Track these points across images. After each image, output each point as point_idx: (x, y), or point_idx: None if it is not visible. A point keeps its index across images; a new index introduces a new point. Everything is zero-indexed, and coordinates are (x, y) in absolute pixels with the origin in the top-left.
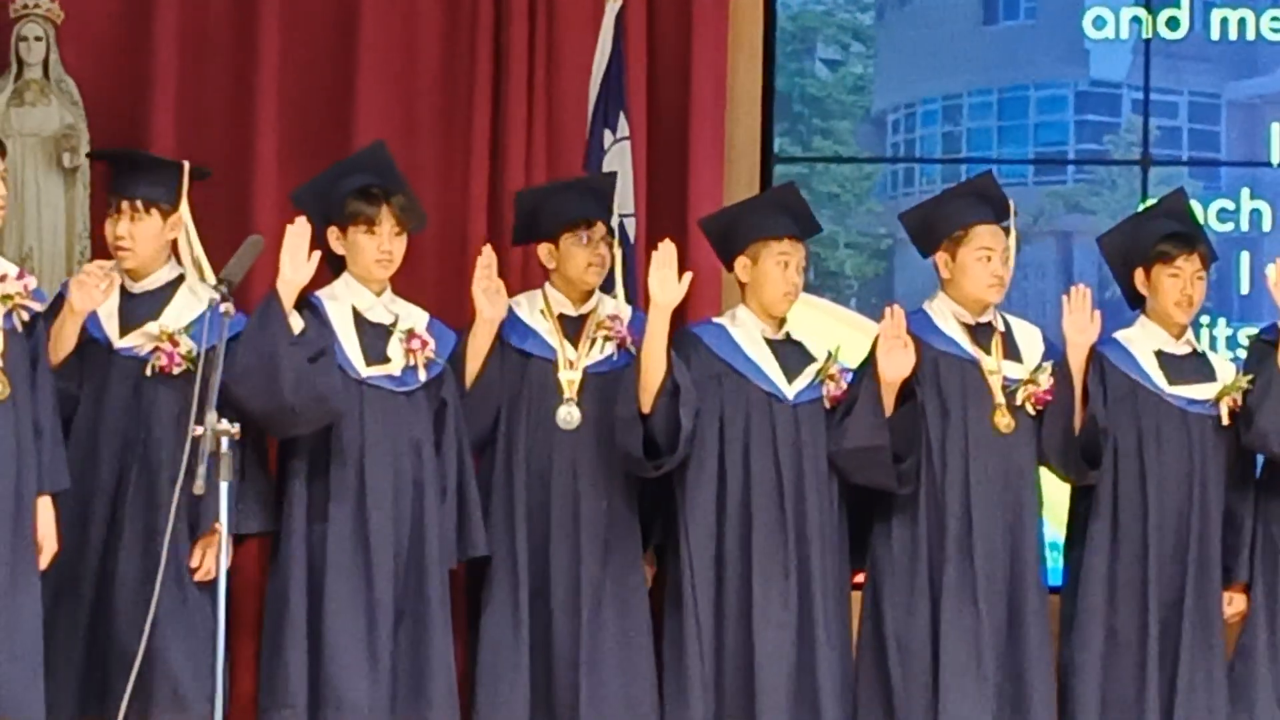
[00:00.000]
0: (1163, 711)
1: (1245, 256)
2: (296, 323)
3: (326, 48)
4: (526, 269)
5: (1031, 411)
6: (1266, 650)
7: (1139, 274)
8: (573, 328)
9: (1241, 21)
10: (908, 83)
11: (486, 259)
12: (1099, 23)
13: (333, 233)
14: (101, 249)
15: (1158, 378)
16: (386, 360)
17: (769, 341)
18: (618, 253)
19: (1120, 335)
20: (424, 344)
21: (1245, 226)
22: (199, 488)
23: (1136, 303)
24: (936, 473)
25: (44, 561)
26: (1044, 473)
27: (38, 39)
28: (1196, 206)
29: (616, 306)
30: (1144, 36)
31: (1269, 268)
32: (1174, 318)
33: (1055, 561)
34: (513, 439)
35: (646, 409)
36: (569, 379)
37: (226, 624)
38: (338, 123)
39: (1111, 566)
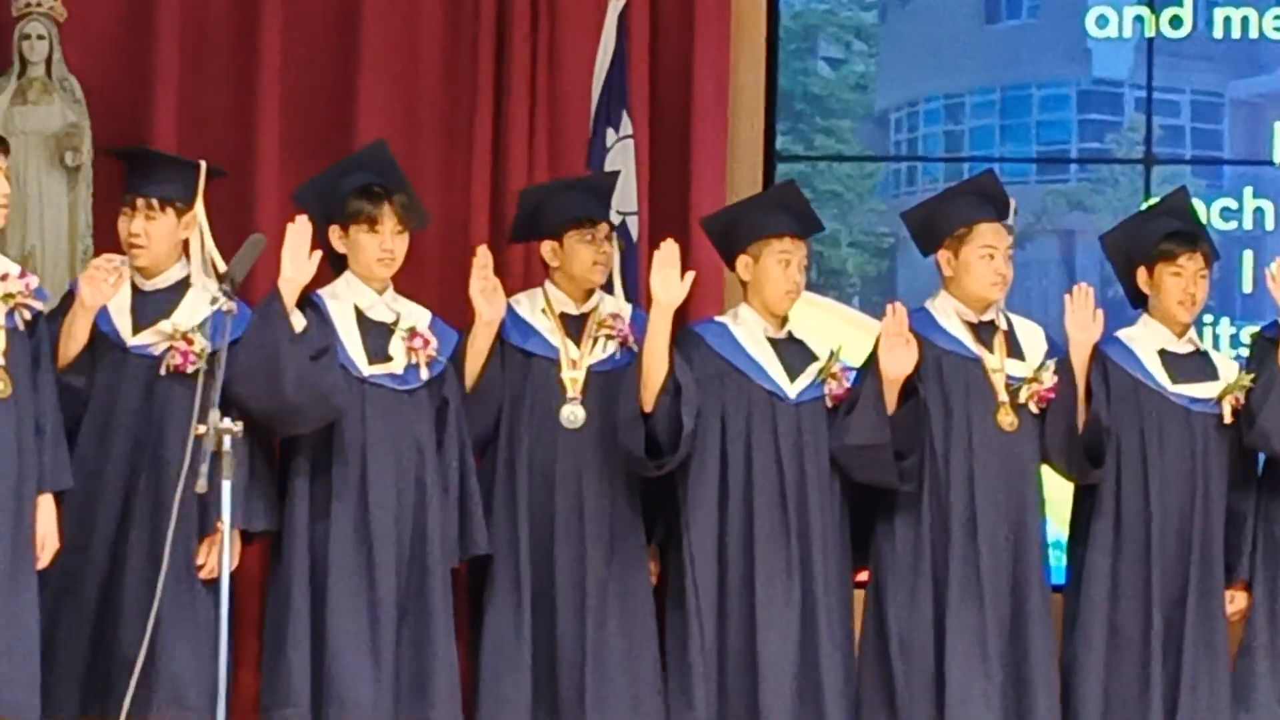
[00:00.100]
0: (1166, 709)
1: (1248, 255)
2: (298, 321)
3: (328, 46)
4: (528, 268)
5: (1034, 410)
6: (1267, 648)
7: (1141, 273)
8: (574, 326)
9: (1244, 20)
10: (910, 81)
11: (483, 259)
12: (1101, 21)
13: (334, 231)
14: (104, 248)
15: (1160, 376)
16: (388, 359)
17: (771, 340)
18: (615, 251)
19: (1123, 334)
20: (426, 342)
21: (1248, 225)
22: (201, 486)
23: (1139, 301)
24: (940, 471)
25: (44, 560)
26: (1047, 471)
27: (40, 37)
28: (1199, 205)
29: (617, 305)
30: (1146, 35)
31: (1271, 265)
32: (1176, 316)
33: (1058, 560)
34: (515, 438)
35: (648, 408)
36: (572, 378)
37: (230, 622)
38: (339, 121)
39: (1114, 565)
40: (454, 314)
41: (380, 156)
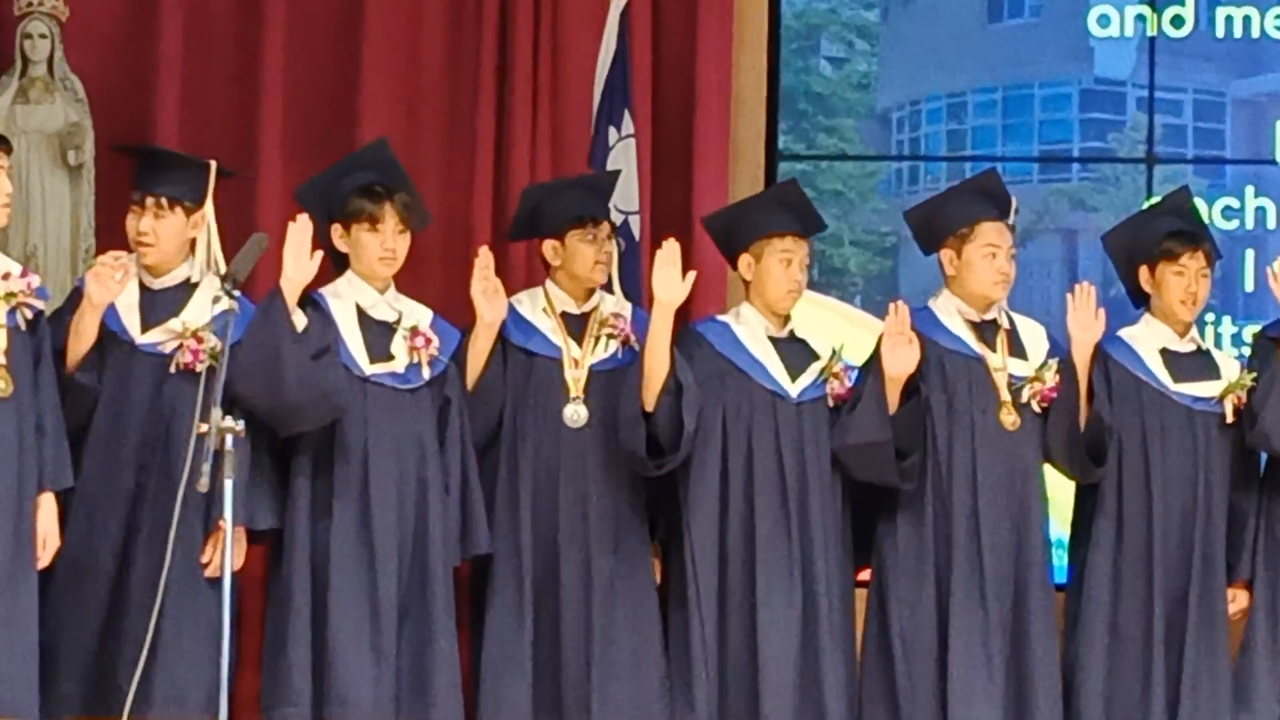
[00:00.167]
0: (1167, 708)
1: (1250, 254)
2: (300, 320)
3: (330, 45)
4: (530, 267)
5: (1037, 409)
6: (1268, 647)
7: (1143, 272)
8: (576, 326)
9: (1246, 19)
10: (912, 80)
11: (484, 260)
12: (1103, 20)
13: (336, 230)
14: (106, 247)
15: (1162, 375)
16: (390, 358)
17: (773, 339)
18: (615, 251)
19: (1125, 333)
20: (428, 341)
21: (1250, 224)
22: (203, 485)
23: (1141, 300)
24: (942, 470)
25: (45, 559)
26: (1049, 470)
27: (42, 36)
28: (1201, 204)
29: (618, 304)
30: (1148, 34)
31: (1273, 264)
32: (1178, 315)
33: (1060, 559)
34: (518, 438)
35: (650, 408)
36: (575, 377)
37: (232, 621)
38: (342, 120)
39: (1116, 564)
40: (455, 313)
41: (382, 155)
